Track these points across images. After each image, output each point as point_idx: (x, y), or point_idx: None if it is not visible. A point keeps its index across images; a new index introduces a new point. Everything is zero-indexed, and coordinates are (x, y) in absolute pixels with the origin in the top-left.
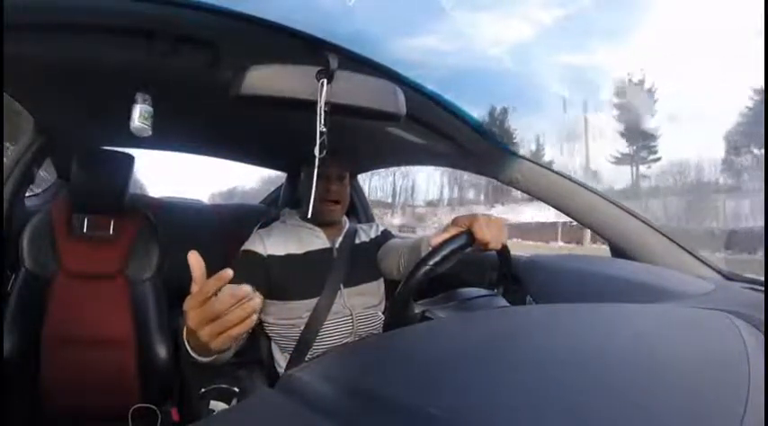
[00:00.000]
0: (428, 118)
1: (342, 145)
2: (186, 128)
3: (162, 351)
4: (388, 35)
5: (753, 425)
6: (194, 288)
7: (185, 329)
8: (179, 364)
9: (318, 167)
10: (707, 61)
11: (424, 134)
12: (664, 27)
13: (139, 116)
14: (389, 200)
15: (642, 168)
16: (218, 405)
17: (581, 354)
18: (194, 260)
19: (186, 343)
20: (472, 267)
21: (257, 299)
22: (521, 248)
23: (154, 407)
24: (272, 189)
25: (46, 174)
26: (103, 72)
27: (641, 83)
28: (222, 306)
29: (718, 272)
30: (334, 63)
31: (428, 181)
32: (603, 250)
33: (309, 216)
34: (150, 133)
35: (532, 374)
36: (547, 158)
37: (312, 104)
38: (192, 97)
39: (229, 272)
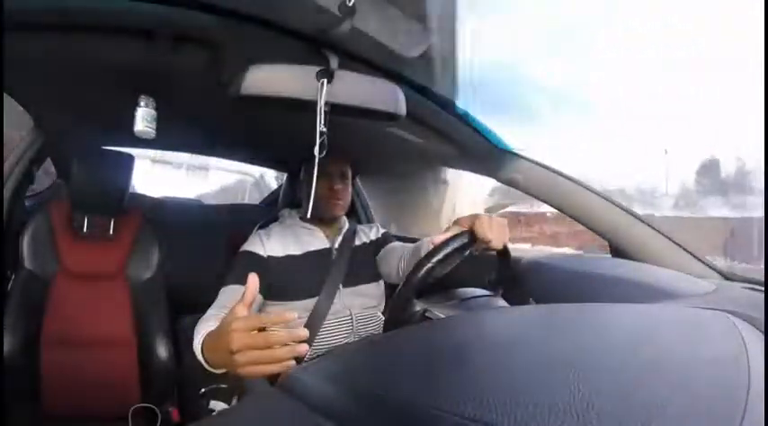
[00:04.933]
0: (428, 118)
1: (342, 142)
2: (186, 128)
3: (162, 351)
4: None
5: (752, 425)
6: (241, 309)
7: (205, 342)
8: (179, 364)
9: (318, 166)
10: None
11: (424, 134)
12: None
13: (142, 120)
14: None
15: None
16: (218, 405)
17: (581, 354)
18: (252, 282)
19: (201, 354)
20: (472, 267)
21: (305, 347)
22: None
23: (154, 407)
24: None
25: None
26: (103, 72)
27: None
28: (277, 339)
29: (719, 272)
30: (334, 63)
31: None
32: None
33: (309, 215)
34: (154, 136)
35: (532, 374)
36: None
37: (312, 104)
38: (192, 97)
39: (293, 315)
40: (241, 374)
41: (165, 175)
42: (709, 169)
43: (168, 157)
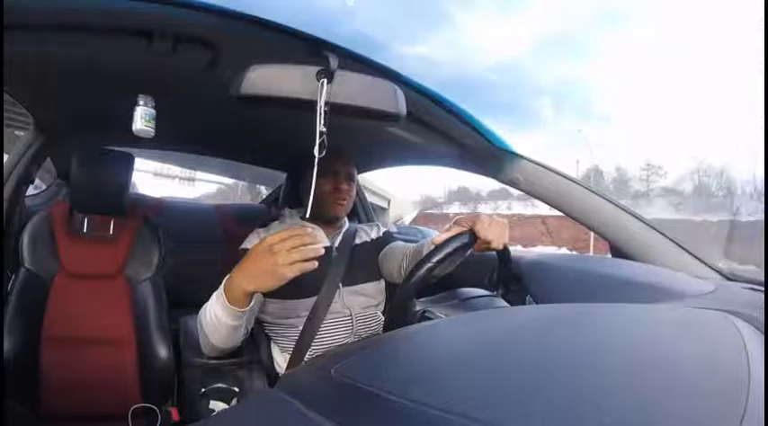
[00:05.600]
0: (428, 118)
1: (347, 143)
2: (186, 128)
3: (162, 351)
4: (389, 36)
5: (753, 425)
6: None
7: (227, 281)
8: (179, 364)
9: (320, 166)
10: None
11: (424, 134)
12: None
13: (141, 118)
14: None
15: None
16: (218, 405)
17: (580, 354)
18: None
19: (224, 296)
20: (472, 267)
21: (321, 248)
22: None
23: (154, 407)
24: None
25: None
26: (103, 72)
27: None
28: (309, 239)
29: (718, 272)
30: (334, 63)
31: None
32: None
33: (308, 215)
34: (153, 134)
35: (532, 374)
36: None
37: (312, 104)
38: (191, 97)
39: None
40: (285, 273)
41: (164, 185)
42: (595, 175)
43: (165, 171)
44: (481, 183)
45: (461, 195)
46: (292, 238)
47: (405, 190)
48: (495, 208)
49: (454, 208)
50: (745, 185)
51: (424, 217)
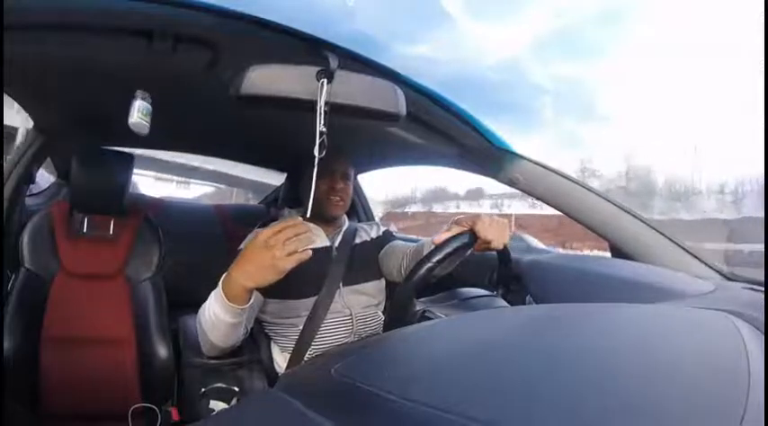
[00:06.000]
0: (428, 118)
1: (346, 143)
2: (186, 128)
3: (162, 351)
4: (389, 36)
5: (753, 425)
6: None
7: (225, 278)
8: (179, 364)
9: (318, 166)
10: None
11: (424, 134)
12: None
13: (138, 112)
14: None
15: None
16: (218, 405)
17: (580, 354)
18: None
19: (222, 294)
20: (472, 267)
21: (312, 236)
22: None
23: (154, 407)
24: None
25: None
26: (103, 72)
27: None
28: (302, 229)
29: (718, 272)
30: (334, 63)
31: None
32: None
33: (309, 215)
34: (148, 129)
35: (532, 374)
36: None
37: (312, 104)
38: (191, 97)
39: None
40: (282, 266)
41: (164, 187)
42: None
43: (164, 176)
44: (457, 184)
45: (428, 196)
46: (286, 230)
47: (376, 191)
48: (446, 208)
49: (415, 208)
50: (672, 186)
51: (389, 216)
